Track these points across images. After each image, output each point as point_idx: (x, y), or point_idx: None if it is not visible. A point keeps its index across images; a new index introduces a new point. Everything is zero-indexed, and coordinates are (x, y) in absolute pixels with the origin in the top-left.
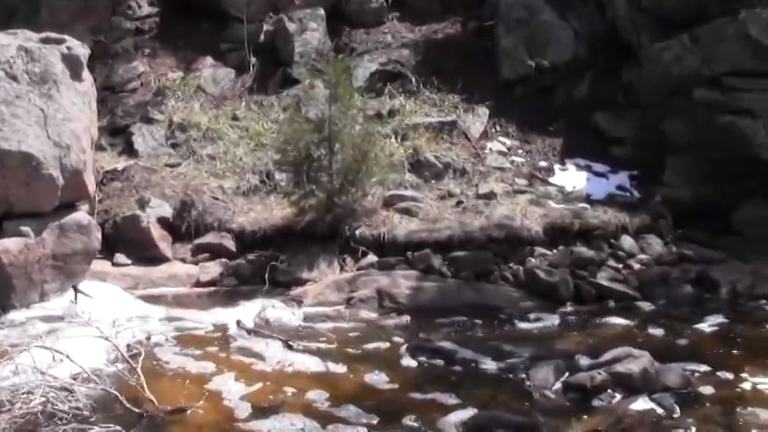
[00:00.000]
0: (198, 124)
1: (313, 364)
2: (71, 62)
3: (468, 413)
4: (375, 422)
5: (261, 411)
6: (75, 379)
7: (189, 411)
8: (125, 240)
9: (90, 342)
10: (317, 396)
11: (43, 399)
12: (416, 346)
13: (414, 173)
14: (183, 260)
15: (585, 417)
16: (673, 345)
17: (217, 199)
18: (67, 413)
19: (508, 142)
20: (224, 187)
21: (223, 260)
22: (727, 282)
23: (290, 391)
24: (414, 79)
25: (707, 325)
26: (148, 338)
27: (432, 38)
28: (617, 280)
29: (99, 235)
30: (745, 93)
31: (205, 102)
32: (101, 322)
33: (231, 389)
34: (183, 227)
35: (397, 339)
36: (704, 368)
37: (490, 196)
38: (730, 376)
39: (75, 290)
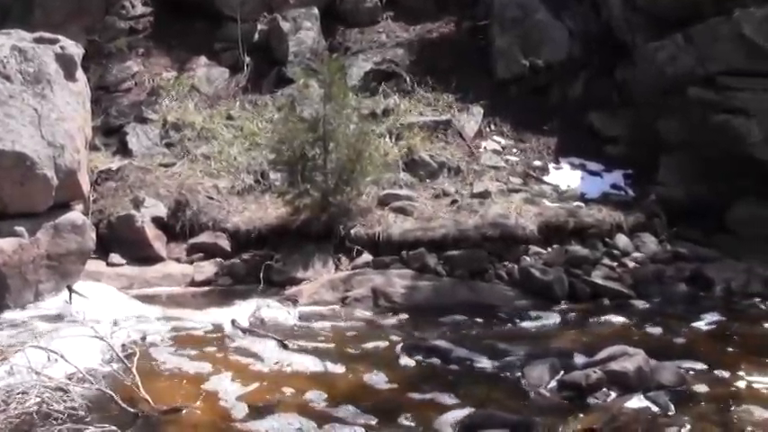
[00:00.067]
0: (192, 124)
1: (309, 364)
2: (65, 62)
3: (463, 412)
4: (371, 421)
5: (257, 411)
6: (70, 379)
7: (184, 411)
8: (120, 240)
9: (85, 342)
10: (313, 395)
11: (38, 399)
12: (412, 345)
13: (408, 172)
14: (178, 260)
15: (581, 415)
16: (668, 343)
17: (211, 198)
18: (63, 413)
19: (503, 141)
20: (219, 187)
21: (218, 260)
22: (722, 280)
23: (286, 390)
24: (408, 78)
25: (702, 323)
26: (143, 338)
27: (426, 37)
28: (611, 278)
29: (93, 235)
30: (739, 92)
31: (199, 101)
32: (96, 322)
33: (227, 388)
34: (177, 226)
35: (392, 338)
36: (699, 366)
37: (485, 195)
38: (725, 374)
39: (70, 290)
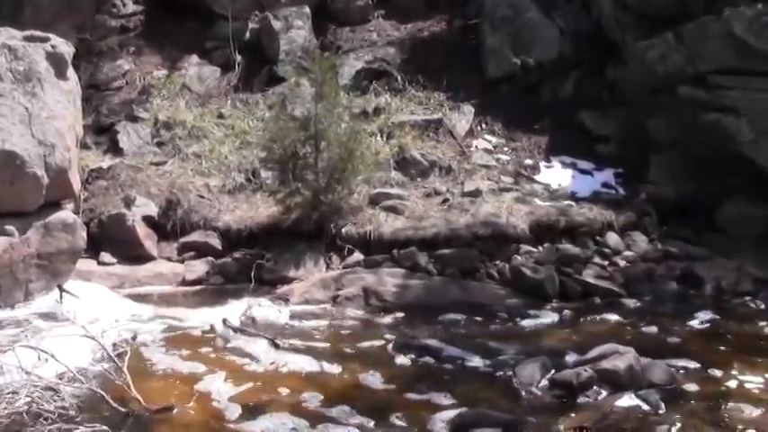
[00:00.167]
0: (183, 122)
1: (301, 363)
2: (55, 60)
3: (454, 411)
4: (363, 420)
5: (249, 410)
6: (60, 378)
7: (175, 410)
8: (110, 239)
9: (76, 341)
10: (305, 394)
11: (28, 399)
12: (403, 345)
13: (399, 171)
14: (169, 259)
15: (571, 413)
16: (658, 341)
17: (202, 197)
18: (53, 413)
19: (494, 140)
20: (210, 186)
21: (209, 259)
22: (712, 278)
23: (277, 389)
24: (399, 77)
25: (692, 322)
26: (134, 338)
27: (417, 36)
28: (602, 277)
29: (84, 234)
30: (729, 91)
31: (190, 100)
32: (86, 321)
33: (218, 388)
34: (168, 225)
35: (384, 337)
36: (690, 364)
37: (476, 194)
38: (716, 373)
39: (61, 289)
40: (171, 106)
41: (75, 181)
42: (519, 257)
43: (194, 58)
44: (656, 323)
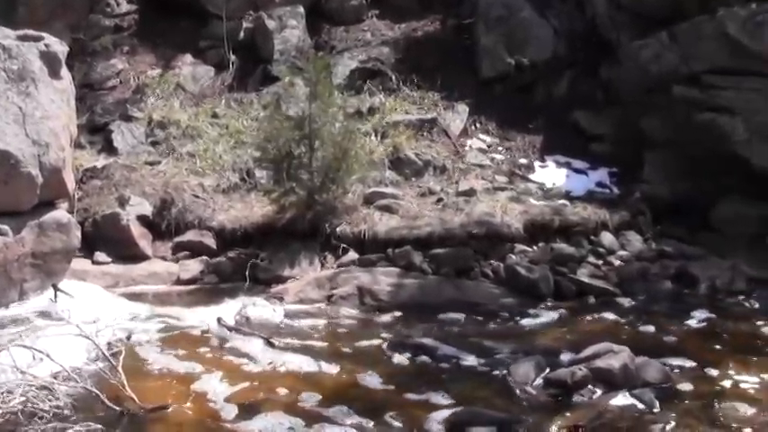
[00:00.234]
0: (177, 122)
1: (295, 362)
2: (49, 60)
3: (449, 409)
4: (359, 419)
5: (244, 409)
6: (55, 378)
7: (170, 409)
8: (105, 239)
9: (70, 341)
10: (300, 393)
11: (23, 398)
12: (398, 344)
13: (394, 170)
14: (164, 258)
15: (566, 412)
16: (653, 340)
17: (197, 197)
18: (48, 412)
19: (488, 140)
20: (204, 185)
21: (203, 258)
22: (706, 278)
23: (272, 388)
24: (393, 77)
25: (687, 321)
26: (129, 337)
27: (411, 36)
28: (597, 276)
29: (79, 233)
30: (723, 90)
31: (185, 99)
32: (81, 321)
33: (213, 387)
34: (163, 225)
35: (378, 336)
36: (684, 363)
37: (470, 193)
38: (710, 371)
39: (55, 288)
40: (165, 106)
41: (70, 180)
42: (513, 257)
43: (188, 58)
44: (651, 322)
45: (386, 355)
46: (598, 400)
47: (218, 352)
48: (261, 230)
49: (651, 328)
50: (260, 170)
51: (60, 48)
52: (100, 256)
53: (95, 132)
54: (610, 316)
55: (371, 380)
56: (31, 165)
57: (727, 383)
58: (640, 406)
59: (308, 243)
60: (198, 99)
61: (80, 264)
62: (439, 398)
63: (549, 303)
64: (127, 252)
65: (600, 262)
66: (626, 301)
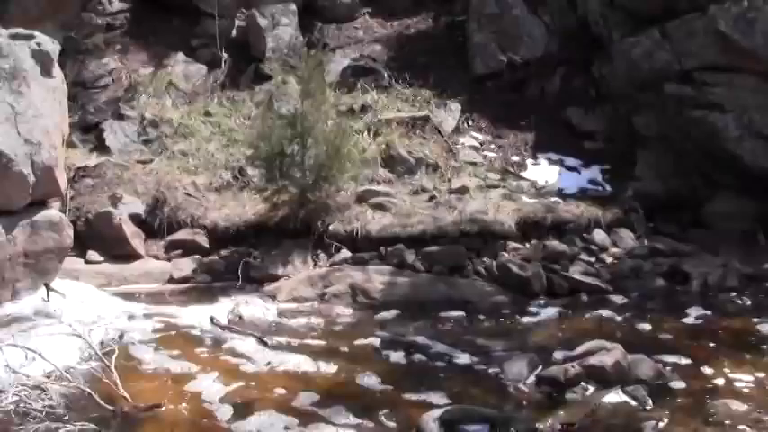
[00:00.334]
0: (170, 120)
1: (288, 360)
2: (41, 58)
3: (442, 407)
4: (351, 417)
5: (237, 408)
6: (48, 377)
7: (163, 408)
8: (97, 238)
9: (63, 340)
10: (291, 391)
11: (16, 398)
12: (391, 342)
13: (386, 168)
14: (156, 257)
15: (559, 409)
16: (645, 337)
17: (189, 195)
18: (41, 411)
19: (480, 137)
20: (196, 183)
21: (196, 257)
22: (698, 275)
23: (265, 387)
24: (386, 74)
25: (679, 318)
26: (121, 336)
27: (404, 33)
28: (589, 273)
29: (71, 232)
30: (715, 87)
31: (177, 98)
32: (73, 320)
33: (206, 385)
34: (155, 223)
35: (371, 335)
36: (677, 360)
37: (463, 191)
38: (703, 368)
39: (48, 288)
40: (157, 104)
41: (62, 179)
42: (506, 254)
43: (180, 56)
44: (643, 319)
45: (379, 353)
46: (591, 397)
47: (212, 351)
48: (253, 229)
49: (644, 325)
50: (252, 168)
51: (52, 46)
52: (92, 255)
53: (87, 131)
54: (602, 313)
55: (365, 378)
56: (23, 164)
57: (720, 380)
58: (633, 403)
59: (300, 241)
60: (190, 97)
61: (72, 263)
62: (432, 395)
63: (541, 301)
64: (119, 251)
65: (592, 259)
66: (618, 299)
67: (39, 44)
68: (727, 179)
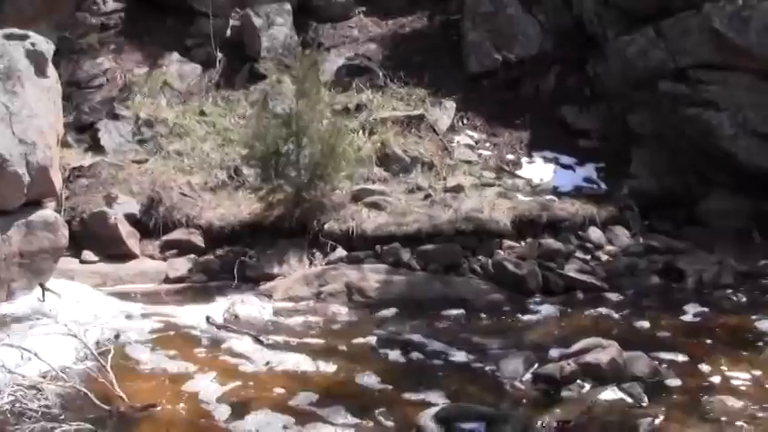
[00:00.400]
0: (165, 120)
1: (284, 359)
2: (35, 58)
3: (438, 405)
4: (348, 416)
5: (233, 407)
6: (44, 377)
7: (159, 408)
8: (93, 237)
9: (58, 340)
10: (287, 390)
11: (12, 398)
12: (387, 340)
13: (382, 167)
14: (152, 257)
15: (555, 407)
16: (640, 334)
17: (185, 195)
18: (36, 411)
19: (475, 135)
20: (192, 183)
21: (192, 256)
22: (694, 272)
23: (261, 386)
24: (381, 73)
25: (674, 315)
26: (117, 336)
27: (399, 32)
28: (585, 271)
29: (66, 232)
30: (709, 85)
31: (172, 97)
32: (69, 320)
33: (202, 385)
34: (150, 223)
35: (367, 333)
36: (672, 357)
37: (458, 189)
38: (699, 365)
39: (43, 288)
40: (152, 104)
41: (57, 179)
42: (501, 252)
43: (175, 56)
44: (640, 317)
45: (376, 352)
46: (587, 395)
47: (209, 351)
48: (249, 228)
49: (640, 323)
50: (248, 168)
51: (47, 46)
52: (87, 255)
53: (82, 131)
54: (598, 311)
55: (361, 377)
56: (17, 164)
57: (716, 377)
58: (629, 400)
59: (296, 240)
60: (185, 97)
61: (68, 263)
62: (428, 394)
63: (537, 298)
64: (115, 251)
65: (588, 257)
66: (614, 296)
67: (33, 44)
68: (721, 177)
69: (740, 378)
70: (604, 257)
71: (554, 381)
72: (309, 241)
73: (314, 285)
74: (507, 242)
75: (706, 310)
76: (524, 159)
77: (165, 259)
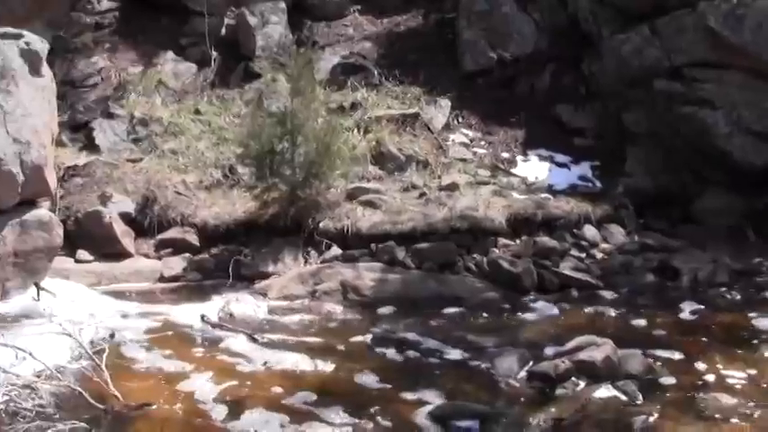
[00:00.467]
0: (160, 119)
1: (279, 358)
2: (30, 57)
3: (433, 403)
4: (343, 414)
5: (228, 406)
6: (38, 376)
7: (155, 407)
8: (87, 237)
9: (53, 339)
10: (283, 389)
11: (6, 397)
12: (382, 338)
13: (376, 165)
14: (147, 256)
15: (550, 405)
16: (635, 332)
17: (179, 194)
18: (31, 411)
19: (470, 134)
20: (186, 182)
21: (186, 255)
22: (688, 270)
23: (255, 385)
24: (376, 72)
25: (669, 313)
26: (112, 335)
27: (394, 30)
28: (580, 269)
29: (61, 231)
30: (704, 84)
31: (166, 96)
32: (64, 319)
33: (197, 384)
34: (145, 222)
35: (362, 332)
36: (667, 355)
37: (453, 188)
38: (693, 363)
39: (38, 287)
40: (147, 103)
41: (51, 179)
42: (496, 250)
43: (170, 55)
44: (634, 314)
45: (371, 350)
46: (581, 393)
47: (203, 349)
48: (244, 227)
49: (635, 321)
50: (242, 166)
51: (41, 45)
52: (82, 254)
53: (77, 130)
54: (593, 309)
55: (357, 375)
56: (12, 163)
57: (708, 374)
58: (623, 398)
59: (291, 239)
60: (180, 96)
61: (62, 262)
62: (423, 391)
63: (532, 297)
64: (109, 250)
65: (583, 255)
66: (609, 294)
67: (27, 43)
68: (716, 175)
69: (735, 376)
70: (599, 255)
71: (549, 378)
72: (304, 240)
73: (309, 284)
74: (502, 240)
75: (702, 307)
76: (519, 158)
77: (159, 258)
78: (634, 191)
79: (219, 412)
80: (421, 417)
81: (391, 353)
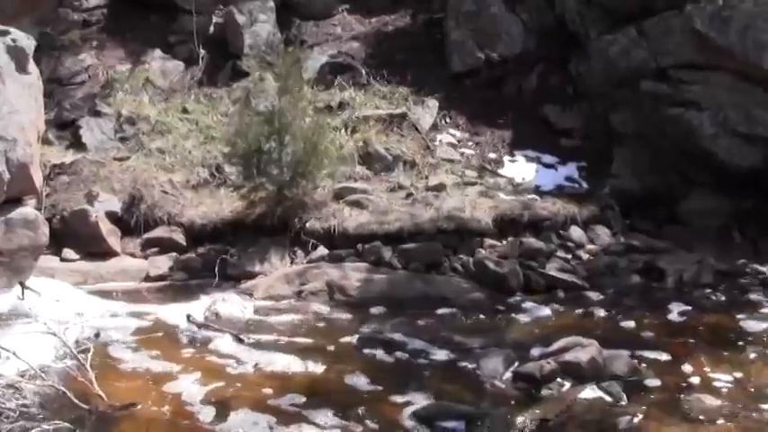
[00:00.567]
0: (147, 117)
1: (264, 358)
2: (16, 54)
3: (418, 404)
4: (328, 414)
5: (212, 406)
6: (22, 376)
7: (139, 407)
8: (73, 235)
9: (38, 339)
10: (269, 389)
11: None
12: (368, 339)
13: (364, 165)
14: (133, 255)
15: (535, 405)
16: (620, 333)
17: (166, 193)
18: (14, 411)
19: (458, 134)
20: (173, 181)
21: (173, 254)
22: (674, 271)
23: (240, 384)
24: (364, 72)
25: (654, 314)
26: (97, 335)
27: (382, 30)
28: (566, 270)
29: (46, 230)
30: (690, 85)
31: (154, 95)
32: (49, 318)
33: (182, 384)
34: (132, 221)
35: (348, 332)
36: (652, 356)
37: (440, 188)
38: (677, 363)
39: (22, 286)
40: (134, 101)
41: (37, 176)
42: (483, 251)
43: (158, 53)
44: (621, 316)
45: (356, 350)
46: (566, 394)
47: (188, 349)
48: (230, 226)
49: (619, 322)
50: (229, 166)
51: (27, 42)
52: (68, 252)
53: (63, 128)
54: (578, 310)
55: (344, 376)
56: None
57: (693, 375)
58: (608, 399)
59: (277, 239)
60: (167, 94)
61: (48, 261)
62: (408, 392)
63: (518, 297)
64: (95, 249)
65: (569, 256)
66: (594, 295)
67: (14, 40)
68: (702, 176)
69: (721, 378)
70: (585, 256)
71: (534, 379)
72: (291, 239)
73: (295, 284)
74: (489, 241)
75: (689, 308)
76: (506, 158)
77: (146, 257)
78: (620, 192)
79: (207, 413)
80: (405, 417)
81: (379, 353)
